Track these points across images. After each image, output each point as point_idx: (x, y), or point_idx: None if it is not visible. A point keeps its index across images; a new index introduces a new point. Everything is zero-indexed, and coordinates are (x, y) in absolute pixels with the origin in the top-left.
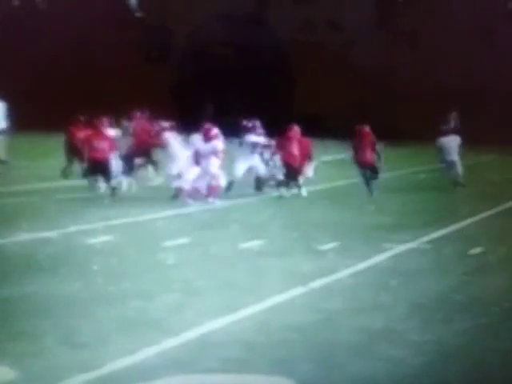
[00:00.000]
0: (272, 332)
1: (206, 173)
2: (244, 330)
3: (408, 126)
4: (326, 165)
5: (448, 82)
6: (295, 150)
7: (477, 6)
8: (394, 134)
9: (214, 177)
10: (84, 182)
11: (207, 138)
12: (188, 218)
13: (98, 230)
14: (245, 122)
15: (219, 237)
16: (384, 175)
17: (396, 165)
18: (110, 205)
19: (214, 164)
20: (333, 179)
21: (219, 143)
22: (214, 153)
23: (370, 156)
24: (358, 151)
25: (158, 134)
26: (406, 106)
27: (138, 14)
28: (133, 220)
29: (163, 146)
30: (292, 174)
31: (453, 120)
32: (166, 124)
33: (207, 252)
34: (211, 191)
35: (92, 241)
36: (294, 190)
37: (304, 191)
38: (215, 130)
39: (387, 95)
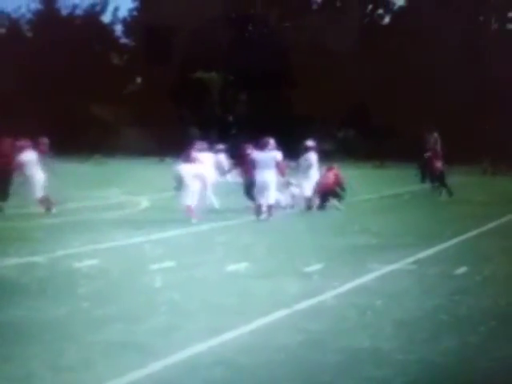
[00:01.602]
0: (258, 353)
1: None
2: (230, 351)
3: (393, 148)
4: None
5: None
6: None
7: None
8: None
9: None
10: (70, 206)
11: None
12: (174, 240)
13: (84, 254)
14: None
15: (205, 259)
16: (369, 196)
17: (380, 186)
18: (97, 228)
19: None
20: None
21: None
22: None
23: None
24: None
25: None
26: (391, 129)
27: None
28: (119, 243)
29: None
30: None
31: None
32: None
33: (193, 275)
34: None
35: (78, 265)
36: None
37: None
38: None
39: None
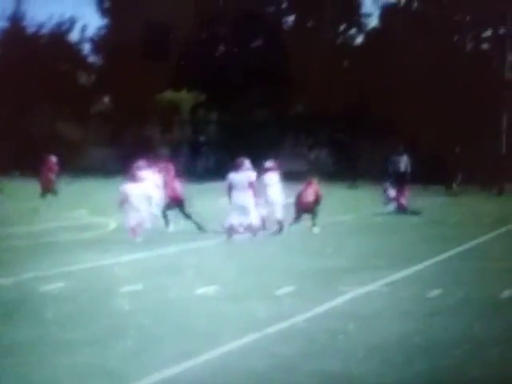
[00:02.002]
0: (228, 377)
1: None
2: (200, 375)
3: (365, 169)
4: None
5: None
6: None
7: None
8: (351, 176)
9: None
10: (39, 227)
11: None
12: (143, 263)
13: (53, 277)
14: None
15: (175, 282)
16: (342, 218)
17: (353, 207)
18: (65, 250)
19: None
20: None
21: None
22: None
23: (310, 199)
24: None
25: None
26: (364, 150)
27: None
28: (88, 266)
29: None
30: None
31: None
32: None
33: (163, 297)
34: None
35: (47, 287)
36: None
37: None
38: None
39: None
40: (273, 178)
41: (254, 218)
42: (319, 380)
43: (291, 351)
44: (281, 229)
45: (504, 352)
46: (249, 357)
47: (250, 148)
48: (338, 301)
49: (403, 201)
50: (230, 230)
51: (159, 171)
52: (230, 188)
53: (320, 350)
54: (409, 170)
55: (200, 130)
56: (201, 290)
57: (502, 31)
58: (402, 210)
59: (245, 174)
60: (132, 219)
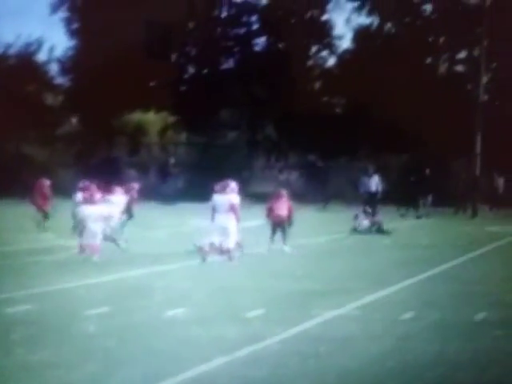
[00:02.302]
0: None
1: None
2: None
3: (336, 191)
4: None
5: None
6: None
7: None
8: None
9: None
10: (3, 249)
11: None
12: (110, 285)
13: (18, 299)
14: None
15: (143, 304)
16: (313, 240)
17: (324, 229)
18: (31, 272)
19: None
20: (255, 245)
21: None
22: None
23: (283, 214)
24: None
25: None
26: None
27: None
28: (54, 288)
29: None
30: None
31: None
32: None
33: (130, 320)
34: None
35: (12, 310)
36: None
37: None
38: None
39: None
40: (224, 201)
41: (232, 242)
42: None
43: (262, 374)
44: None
45: (478, 376)
46: (218, 380)
47: (220, 170)
48: (310, 324)
49: (378, 220)
50: (208, 250)
51: (124, 192)
52: (213, 209)
53: (291, 374)
54: (380, 190)
55: (169, 152)
56: (169, 313)
57: (476, 53)
58: (377, 229)
59: (228, 196)
60: (88, 239)
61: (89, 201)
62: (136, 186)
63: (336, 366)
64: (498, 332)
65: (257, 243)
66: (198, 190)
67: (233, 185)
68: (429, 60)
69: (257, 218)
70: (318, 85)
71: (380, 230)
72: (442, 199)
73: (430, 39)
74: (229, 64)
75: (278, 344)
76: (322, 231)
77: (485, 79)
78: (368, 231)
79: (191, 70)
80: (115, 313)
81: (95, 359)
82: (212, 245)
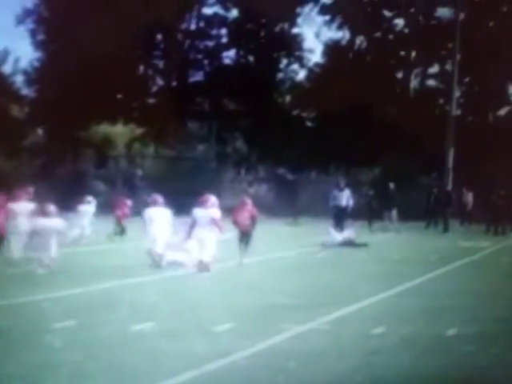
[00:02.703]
0: None
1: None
2: None
3: (307, 204)
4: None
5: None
6: None
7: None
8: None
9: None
10: None
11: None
12: (75, 298)
13: None
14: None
15: (108, 318)
16: (283, 254)
17: (295, 243)
18: None
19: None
20: (224, 259)
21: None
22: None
23: (247, 223)
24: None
25: None
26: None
27: None
28: (18, 301)
29: None
30: None
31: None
32: None
33: (96, 334)
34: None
35: None
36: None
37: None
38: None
39: None
40: (158, 213)
41: (209, 255)
42: None
43: None
44: (157, 262)
45: None
46: None
47: (188, 183)
48: (279, 338)
49: (350, 235)
50: (200, 266)
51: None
52: (194, 223)
53: None
54: (350, 204)
55: (136, 164)
56: (137, 327)
57: (449, 67)
58: (349, 243)
59: (209, 210)
60: (39, 252)
61: (42, 213)
62: (128, 202)
63: (305, 381)
64: (470, 347)
65: (226, 257)
66: (166, 202)
67: (213, 199)
68: (400, 74)
69: (226, 232)
70: (288, 98)
71: (352, 244)
72: (413, 214)
73: (402, 53)
74: (198, 77)
75: (247, 358)
76: (292, 245)
77: (457, 93)
78: (339, 245)
79: (159, 82)
80: (81, 326)
81: (61, 373)
82: (189, 257)
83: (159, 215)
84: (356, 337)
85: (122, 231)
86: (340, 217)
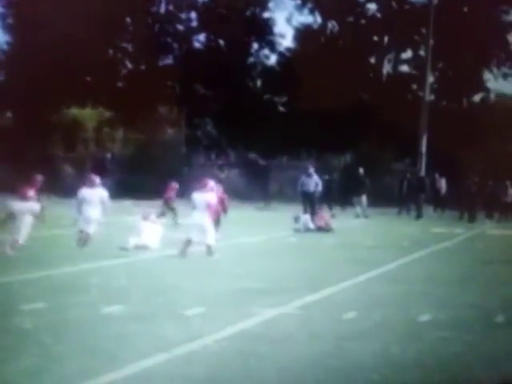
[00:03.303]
0: None
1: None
2: None
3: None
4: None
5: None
6: None
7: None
8: (262, 196)
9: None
10: None
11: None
12: (46, 281)
13: None
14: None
15: (79, 301)
16: (254, 239)
17: (266, 228)
18: None
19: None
20: (195, 243)
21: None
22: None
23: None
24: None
25: None
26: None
27: None
28: None
29: None
30: None
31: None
32: None
33: (66, 316)
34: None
35: None
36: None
37: None
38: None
39: None
40: (93, 194)
41: (211, 238)
42: None
43: (201, 373)
44: (86, 241)
45: (422, 377)
46: (155, 379)
47: (158, 167)
48: (250, 322)
49: (321, 221)
50: (186, 246)
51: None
52: (193, 207)
53: (231, 373)
54: (318, 190)
55: (106, 148)
56: (106, 310)
57: (422, 52)
58: (321, 229)
59: (206, 194)
60: (16, 235)
61: (21, 197)
62: (175, 185)
63: (277, 365)
64: (444, 334)
65: (196, 241)
66: (136, 186)
67: (211, 184)
68: (373, 59)
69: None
70: (259, 82)
71: (325, 229)
72: (386, 200)
73: (375, 38)
74: (168, 60)
75: (218, 342)
76: (262, 230)
77: (431, 79)
78: (310, 230)
79: (129, 65)
80: (51, 308)
81: (29, 355)
82: (189, 241)
83: (94, 196)
84: (328, 321)
85: (173, 213)
86: (309, 202)
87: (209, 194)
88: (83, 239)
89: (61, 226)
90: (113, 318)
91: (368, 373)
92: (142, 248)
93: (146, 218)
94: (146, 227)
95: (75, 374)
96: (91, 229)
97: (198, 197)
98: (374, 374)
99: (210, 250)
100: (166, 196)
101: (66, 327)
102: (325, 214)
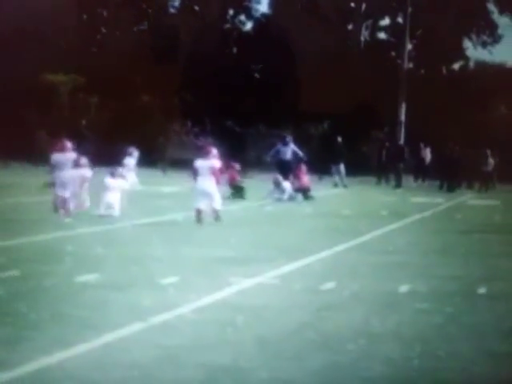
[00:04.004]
0: (109, 368)
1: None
2: (80, 366)
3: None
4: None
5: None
6: None
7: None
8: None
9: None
10: None
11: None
12: (19, 249)
13: None
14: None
15: (53, 269)
16: (230, 207)
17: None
18: None
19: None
20: (167, 211)
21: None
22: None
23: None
24: None
25: None
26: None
27: None
28: None
29: None
30: None
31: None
32: None
33: (40, 285)
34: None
35: None
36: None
37: None
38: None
39: None
40: (65, 158)
41: (217, 203)
42: (208, 373)
43: (178, 343)
44: (64, 207)
45: (403, 348)
46: (132, 348)
47: (134, 134)
48: (227, 292)
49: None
50: (198, 214)
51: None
52: (196, 173)
53: (208, 342)
54: (301, 157)
55: (80, 114)
56: (81, 278)
57: (400, 20)
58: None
59: (210, 161)
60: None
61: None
62: (237, 166)
63: (254, 335)
64: (423, 305)
65: (172, 210)
66: (111, 153)
67: (215, 151)
68: (351, 26)
69: (173, 185)
70: (235, 49)
71: (302, 190)
72: (365, 169)
73: (352, 5)
74: (143, 26)
75: (195, 312)
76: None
77: (409, 46)
78: (288, 199)
79: (103, 30)
80: (25, 276)
81: (5, 323)
82: (202, 208)
83: (68, 160)
84: (306, 292)
85: (241, 191)
86: (284, 170)
87: (212, 160)
88: (60, 204)
89: (33, 193)
90: (88, 286)
91: (346, 344)
92: (110, 207)
93: (112, 174)
94: (113, 184)
95: (51, 343)
96: (67, 193)
97: (202, 163)
98: (351, 345)
99: (217, 215)
100: (230, 177)
101: (41, 296)
102: (303, 173)
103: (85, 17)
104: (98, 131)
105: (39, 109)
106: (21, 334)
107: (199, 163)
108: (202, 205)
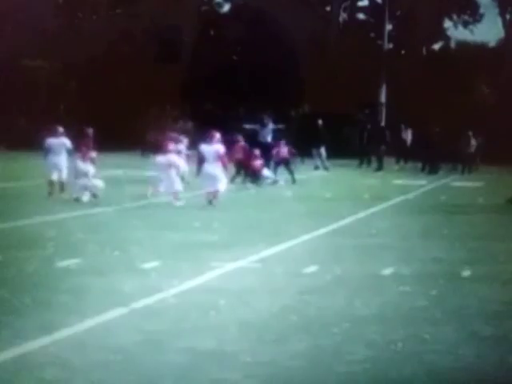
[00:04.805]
0: (92, 353)
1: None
2: (64, 351)
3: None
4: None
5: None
6: None
7: None
8: None
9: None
10: None
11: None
12: (0, 235)
13: None
14: None
15: (34, 255)
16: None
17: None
18: None
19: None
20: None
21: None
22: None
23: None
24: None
25: None
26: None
27: None
28: None
29: None
30: None
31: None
32: None
33: (22, 270)
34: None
35: None
36: None
37: None
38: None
39: None
40: (57, 143)
41: (223, 186)
42: (191, 357)
43: (160, 327)
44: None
45: (385, 331)
46: (115, 332)
47: (113, 117)
48: (209, 276)
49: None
50: (208, 196)
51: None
52: (202, 159)
53: (191, 327)
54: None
55: (59, 99)
56: (62, 264)
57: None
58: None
59: (215, 146)
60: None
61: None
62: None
63: (237, 319)
64: (407, 288)
65: (151, 194)
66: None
67: (218, 136)
68: (329, 8)
69: (152, 169)
70: (212, 32)
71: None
72: (346, 151)
73: None
74: (119, 9)
75: (177, 296)
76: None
77: (389, 27)
78: (268, 183)
79: (80, 14)
80: (6, 262)
81: None
82: (208, 192)
83: (59, 144)
84: (288, 275)
85: (255, 178)
86: (264, 154)
87: (217, 145)
88: (54, 187)
89: (15, 178)
90: (69, 271)
91: (329, 327)
92: (91, 189)
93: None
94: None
95: (33, 328)
96: (62, 175)
97: (207, 148)
98: (334, 329)
99: (214, 197)
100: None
101: (23, 281)
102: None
103: (61, 1)
104: (76, 115)
105: (17, 94)
106: (2, 320)
107: (204, 148)
108: (212, 189)
